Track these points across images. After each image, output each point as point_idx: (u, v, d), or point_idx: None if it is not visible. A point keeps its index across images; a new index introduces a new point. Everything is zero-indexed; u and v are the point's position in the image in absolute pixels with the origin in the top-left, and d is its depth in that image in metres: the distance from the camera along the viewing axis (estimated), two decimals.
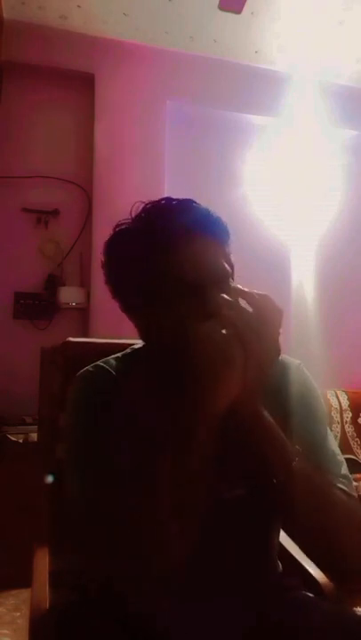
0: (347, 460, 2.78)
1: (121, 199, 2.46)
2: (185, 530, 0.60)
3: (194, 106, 2.83)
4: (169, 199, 0.76)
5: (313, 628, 0.73)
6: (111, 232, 0.79)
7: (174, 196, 0.77)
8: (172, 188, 2.62)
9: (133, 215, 0.76)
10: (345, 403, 2.69)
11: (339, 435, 2.60)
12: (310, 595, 0.85)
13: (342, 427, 2.63)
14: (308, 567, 0.94)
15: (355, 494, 0.72)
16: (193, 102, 2.82)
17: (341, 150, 3.09)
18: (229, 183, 2.84)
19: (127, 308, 0.79)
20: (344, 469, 0.75)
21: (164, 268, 0.70)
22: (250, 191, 2.89)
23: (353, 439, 2.62)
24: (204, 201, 0.77)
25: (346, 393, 2.73)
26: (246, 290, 0.63)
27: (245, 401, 0.62)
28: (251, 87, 2.86)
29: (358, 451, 2.60)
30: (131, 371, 0.79)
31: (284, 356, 0.79)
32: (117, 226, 0.78)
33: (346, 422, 2.65)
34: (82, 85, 2.65)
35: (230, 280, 0.74)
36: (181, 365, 0.61)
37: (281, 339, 0.62)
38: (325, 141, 3.03)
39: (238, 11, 2.39)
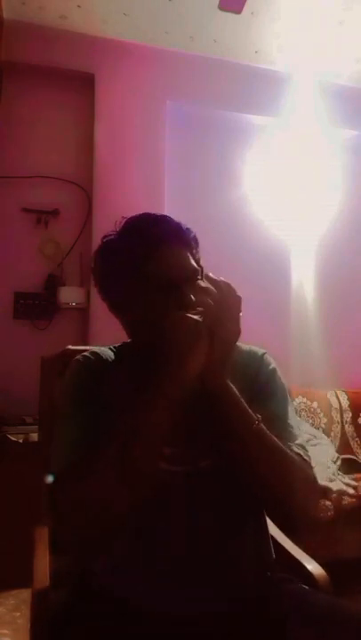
0: (347, 459, 2.75)
1: (121, 199, 2.49)
2: (129, 491, 0.69)
3: (194, 106, 2.83)
4: (147, 214, 0.88)
5: (310, 620, 0.75)
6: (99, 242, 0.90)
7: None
8: (171, 188, 2.62)
9: (118, 228, 0.88)
10: (345, 403, 2.69)
11: (339, 435, 2.60)
12: (306, 587, 0.87)
13: (342, 427, 2.63)
14: (302, 561, 0.95)
15: (308, 459, 0.82)
16: (193, 102, 2.82)
17: (341, 150, 3.09)
18: (229, 183, 2.84)
19: (114, 308, 0.89)
20: (301, 440, 0.86)
21: (143, 271, 0.82)
22: (250, 191, 2.89)
23: (353, 439, 2.61)
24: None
25: (346, 393, 2.73)
26: (213, 277, 0.75)
27: (213, 374, 0.74)
28: (251, 87, 2.86)
29: (358, 451, 2.59)
30: (121, 360, 0.90)
31: (251, 346, 0.95)
32: (104, 237, 0.90)
33: (346, 422, 2.64)
34: (82, 85, 2.66)
35: (199, 278, 0.85)
36: (157, 349, 0.72)
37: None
38: (325, 141, 3.04)
39: (238, 11, 2.40)
